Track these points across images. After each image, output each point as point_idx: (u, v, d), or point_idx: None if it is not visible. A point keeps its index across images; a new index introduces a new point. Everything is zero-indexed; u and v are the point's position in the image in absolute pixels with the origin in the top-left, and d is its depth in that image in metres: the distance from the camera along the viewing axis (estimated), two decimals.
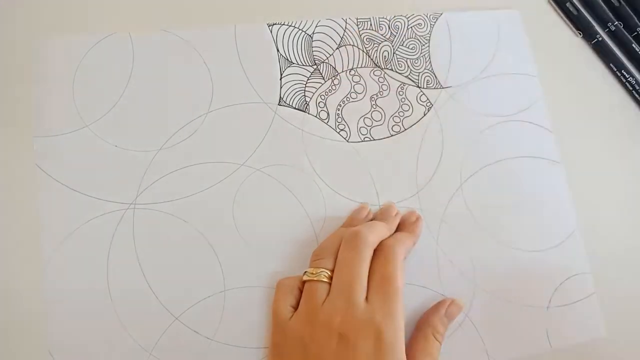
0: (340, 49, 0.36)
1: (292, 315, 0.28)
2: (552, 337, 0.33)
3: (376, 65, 0.37)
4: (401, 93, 0.36)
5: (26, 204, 0.30)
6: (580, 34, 0.41)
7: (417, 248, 0.32)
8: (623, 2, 0.41)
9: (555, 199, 0.36)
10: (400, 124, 0.36)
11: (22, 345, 0.28)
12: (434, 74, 0.37)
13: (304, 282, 0.28)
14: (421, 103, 0.36)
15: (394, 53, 0.37)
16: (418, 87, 0.37)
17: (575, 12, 0.41)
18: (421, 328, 0.29)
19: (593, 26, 0.41)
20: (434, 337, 0.29)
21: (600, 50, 0.40)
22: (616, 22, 0.41)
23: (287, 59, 0.35)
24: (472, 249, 0.34)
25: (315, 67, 0.36)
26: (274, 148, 0.33)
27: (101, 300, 0.29)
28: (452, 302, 0.31)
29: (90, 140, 0.32)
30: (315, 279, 0.27)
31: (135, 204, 0.31)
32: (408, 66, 0.37)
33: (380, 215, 0.33)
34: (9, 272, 0.29)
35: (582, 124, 0.38)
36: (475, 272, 0.33)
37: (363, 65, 0.36)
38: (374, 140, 0.35)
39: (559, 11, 0.41)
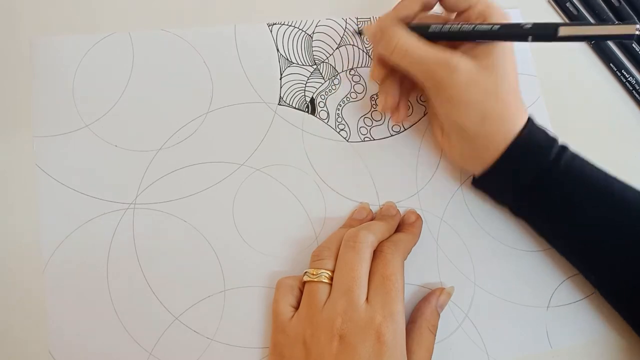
0: (340, 49, 0.36)
1: (292, 316, 0.28)
2: (552, 337, 0.33)
3: None
4: None
5: (26, 204, 0.30)
6: None
7: (417, 248, 0.32)
8: (623, 2, 0.41)
9: None
10: (400, 124, 0.36)
11: (22, 345, 0.28)
12: None
13: (304, 283, 0.28)
14: (421, 103, 0.36)
15: None
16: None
17: (575, 12, 0.41)
18: (415, 321, 0.29)
19: None
20: (429, 330, 0.29)
21: (600, 50, 0.40)
22: (616, 22, 0.41)
23: (287, 59, 0.35)
24: (472, 249, 0.34)
25: (315, 67, 0.36)
26: (274, 148, 0.33)
27: (101, 300, 0.29)
28: (442, 291, 0.31)
29: (90, 140, 0.31)
30: (315, 279, 0.27)
31: (135, 204, 0.31)
32: None
33: (380, 215, 0.33)
34: (9, 272, 0.29)
35: (582, 124, 0.38)
36: (475, 272, 0.33)
37: (363, 65, 0.36)
38: (374, 140, 0.35)
39: (559, 11, 0.41)
